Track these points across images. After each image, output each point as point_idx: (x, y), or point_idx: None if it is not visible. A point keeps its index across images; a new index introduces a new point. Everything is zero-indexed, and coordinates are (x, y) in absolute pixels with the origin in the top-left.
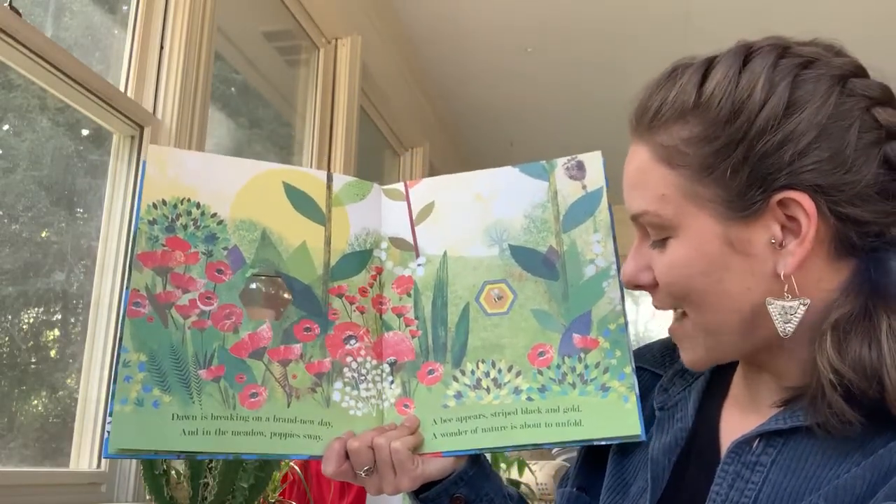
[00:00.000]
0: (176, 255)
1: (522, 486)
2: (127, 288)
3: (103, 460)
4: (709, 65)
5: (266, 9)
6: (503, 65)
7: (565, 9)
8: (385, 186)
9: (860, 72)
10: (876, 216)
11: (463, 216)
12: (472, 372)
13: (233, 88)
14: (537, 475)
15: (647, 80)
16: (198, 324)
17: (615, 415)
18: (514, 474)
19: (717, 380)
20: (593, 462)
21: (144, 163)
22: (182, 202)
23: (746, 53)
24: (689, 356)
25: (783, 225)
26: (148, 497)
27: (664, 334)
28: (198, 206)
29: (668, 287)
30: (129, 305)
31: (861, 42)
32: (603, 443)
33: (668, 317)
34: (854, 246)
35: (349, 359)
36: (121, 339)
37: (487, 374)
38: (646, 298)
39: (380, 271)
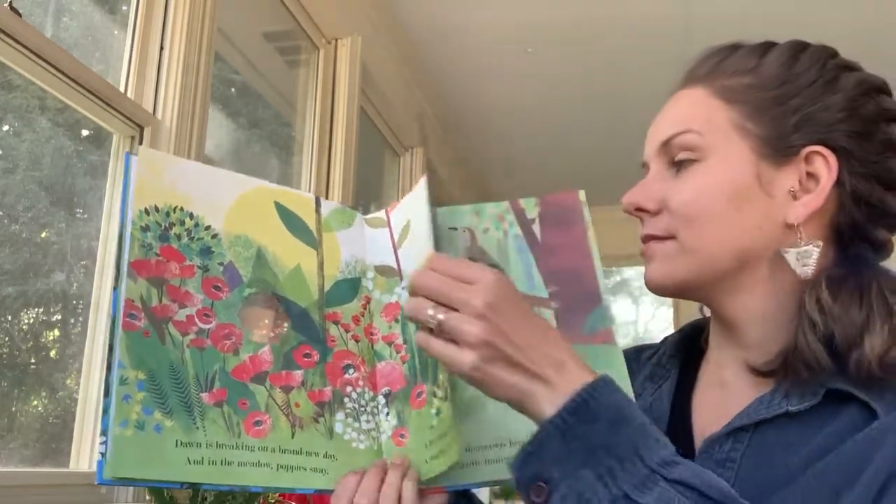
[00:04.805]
0: (171, 266)
1: None
2: (115, 290)
3: None
4: (768, 43)
5: (266, 9)
6: (503, 65)
7: (565, 9)
8: (367, 216)
9: (887, 89)
10: (872, 200)
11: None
12: (444, 383)
13: (233, 89)
14: None
15: (654, 76)
16: (196, 342)
17: None
18: None
19: (685, 377)
20: None
21: (127, 158)
22: (175, 210)
23: (801, 45)
24: (656, 274)
25: (801, 180)
26: (148, 497)
27: (664, 334)
28: (191, 216)
29: (683, 208)
30: (123, 317)
31: (856, 45)
32: None
33: (667, 318)
34: (844, 233)
35: (349, 388)
36: (111, 349)
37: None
38: (646, 298)
39: (368, 301)
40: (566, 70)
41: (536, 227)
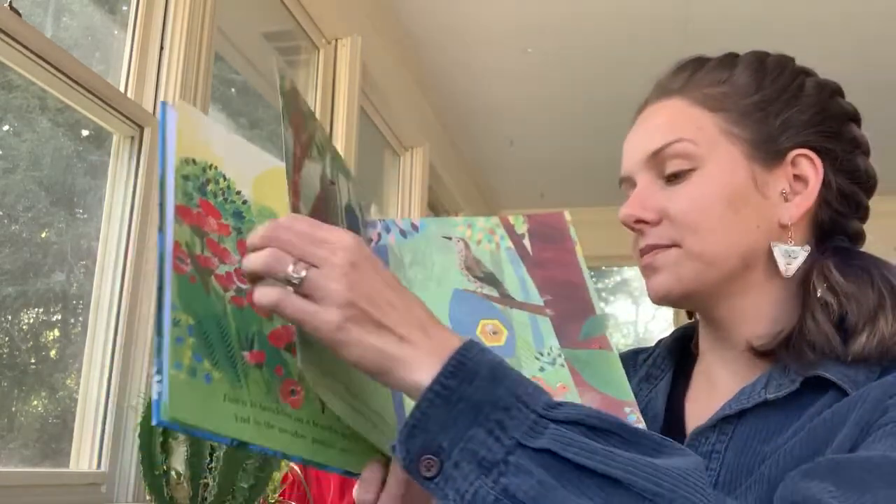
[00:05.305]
0: (209, 220)
1: None
2: (160, 231)
3: (103, 461)
4: (732, 55)
5: (266, 9)
6: (503, 65)
7: (565, 9)
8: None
9: (842, 92)
10: (849, 195)
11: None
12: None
13: (233, 89)
14: None
15: (654, 76)
16: (236, 300)
17: None
18: None
19: (679, 378)
20: None
21: (164, 105)
22: (210, 167)
23: (763, 54)
24: (664, 284)
25: (790, 182)
26: (148, 497)
27: (663, 335)
28: (224, 177)
29: (685, 216)
30: (173, 259)
31: (849, 44)
32: None
33: (667, 318)
34: (825, 227)
35: None
36: (160, 289)
37: None
38: (646, 298)
39: None
40: (566, 70)
41: (526, 242)
